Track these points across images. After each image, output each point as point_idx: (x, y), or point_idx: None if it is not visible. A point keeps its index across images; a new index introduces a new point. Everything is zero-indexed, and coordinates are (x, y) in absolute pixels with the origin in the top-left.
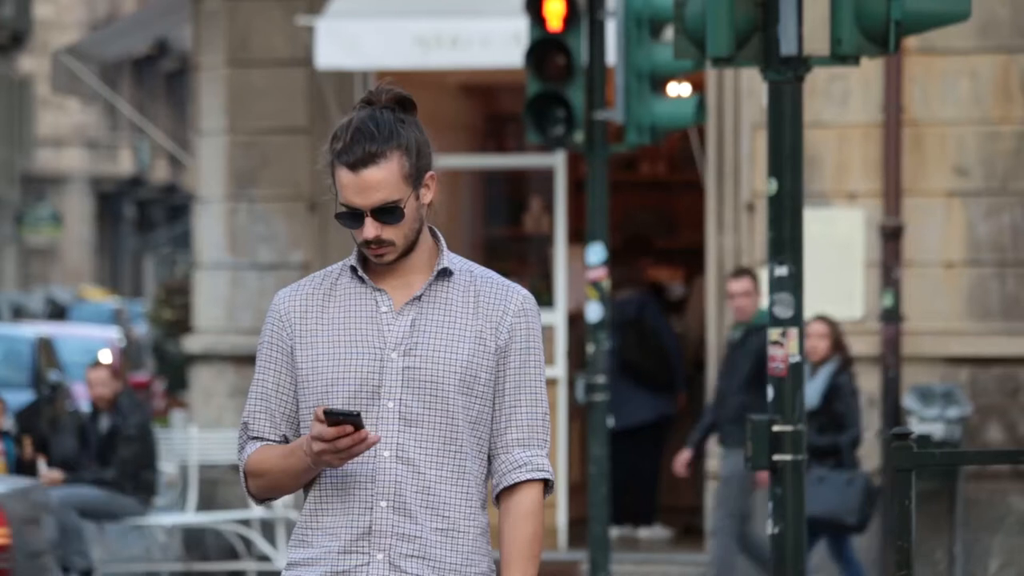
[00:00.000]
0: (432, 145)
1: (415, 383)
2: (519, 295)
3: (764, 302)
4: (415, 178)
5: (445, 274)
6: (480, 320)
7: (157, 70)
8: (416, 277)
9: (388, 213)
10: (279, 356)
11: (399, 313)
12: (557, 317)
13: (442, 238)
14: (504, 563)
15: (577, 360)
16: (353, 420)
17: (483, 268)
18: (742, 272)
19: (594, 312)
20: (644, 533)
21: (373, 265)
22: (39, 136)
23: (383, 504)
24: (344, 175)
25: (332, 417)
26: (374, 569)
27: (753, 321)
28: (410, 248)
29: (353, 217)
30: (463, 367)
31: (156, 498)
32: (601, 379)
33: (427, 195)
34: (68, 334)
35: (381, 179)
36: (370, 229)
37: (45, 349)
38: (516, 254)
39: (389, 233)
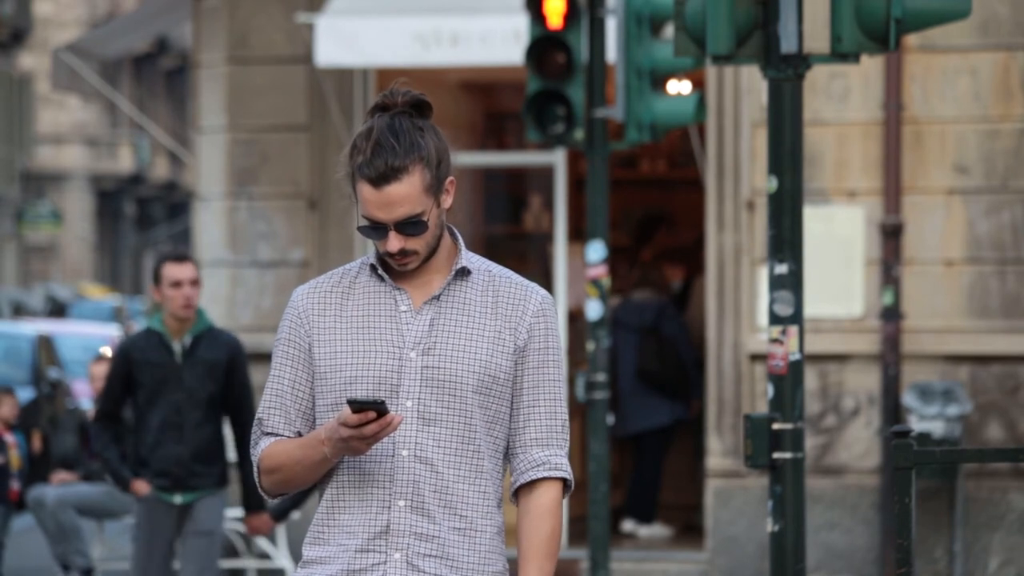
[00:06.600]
0: (451, 148)
1: (434, 383)
2: (538, 295)
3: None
4: (436, 188)
5: (463, 273)
6: (499, 320)
7: (157, 67)
8: (435, 276)
9: (412, 226)
10: (296, 353)
11: (418, 312)
12: (557, 315)
13: (460, 237)
14: (522, 559)
15: (577, 358)
16: (377, 407)
17: (501, 267)
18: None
19: (594, 310)
20: (644, 531)
21: None
22: (39, 133)
23: (401, 503)
24: (366, 190)
25: (356, 405)
26: (391, 568)
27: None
28: (431, 253)
29: (376, 230)
30: (481, 367)
31: None
32: (601, 377)
33: (447, 200)
34: (68, 332)
35: (404, 194)
36: (394, 243)
37: (45, 347)
38: (516, 252)
39: (413, 244)
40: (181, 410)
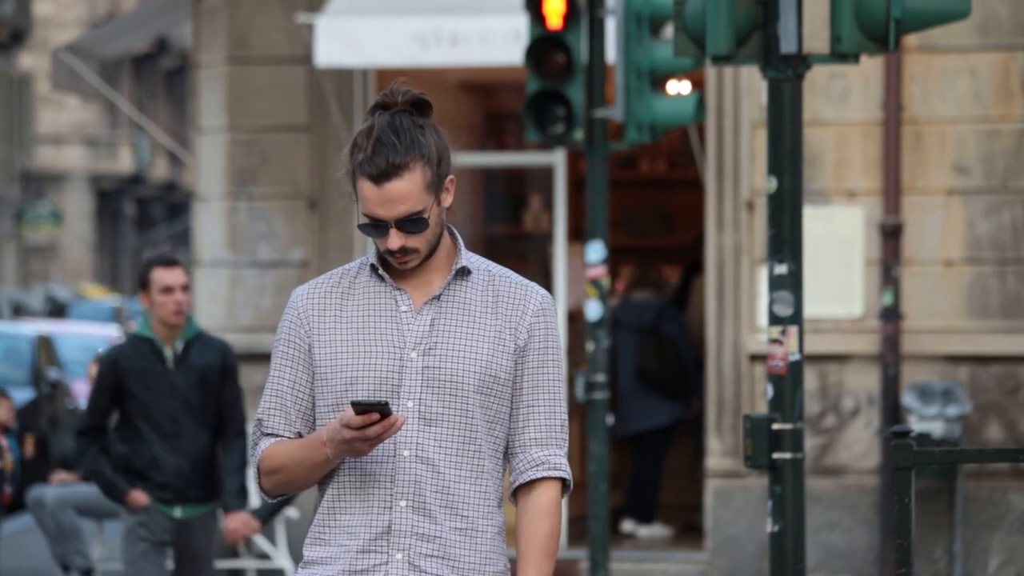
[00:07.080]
0: (451, 147)
1: (435, 383)
2: (538, 295)
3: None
4: (436, 186)
5: (463, 273)
6: (499, 320)
7: (157, 68)
8: (435, 276)
9: (412, 223)
10: (296, 353)
11: (418, 312)
12: (557, 315)
13: (460, 237)
14: (520, 559)
15: (576, 358)
16: (381, 409)
17: (500, 267)
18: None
19: (593, 310)
20: (644, 531)
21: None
22: (39, 134)
23: (402, 503)
24: (367, 187)
25: (359, 407)
26: (393, 568)
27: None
28: (431, 251)
29: (377, 228)
30: (482, 367)
31: None
32: (601, 377)
33: (447, 199)
34: (68, 332)
35: (405, 191)
36: (395, 240)
37: (45, 347)
38: (516, 252)
39: (413, 242)
40: (177, 419)
